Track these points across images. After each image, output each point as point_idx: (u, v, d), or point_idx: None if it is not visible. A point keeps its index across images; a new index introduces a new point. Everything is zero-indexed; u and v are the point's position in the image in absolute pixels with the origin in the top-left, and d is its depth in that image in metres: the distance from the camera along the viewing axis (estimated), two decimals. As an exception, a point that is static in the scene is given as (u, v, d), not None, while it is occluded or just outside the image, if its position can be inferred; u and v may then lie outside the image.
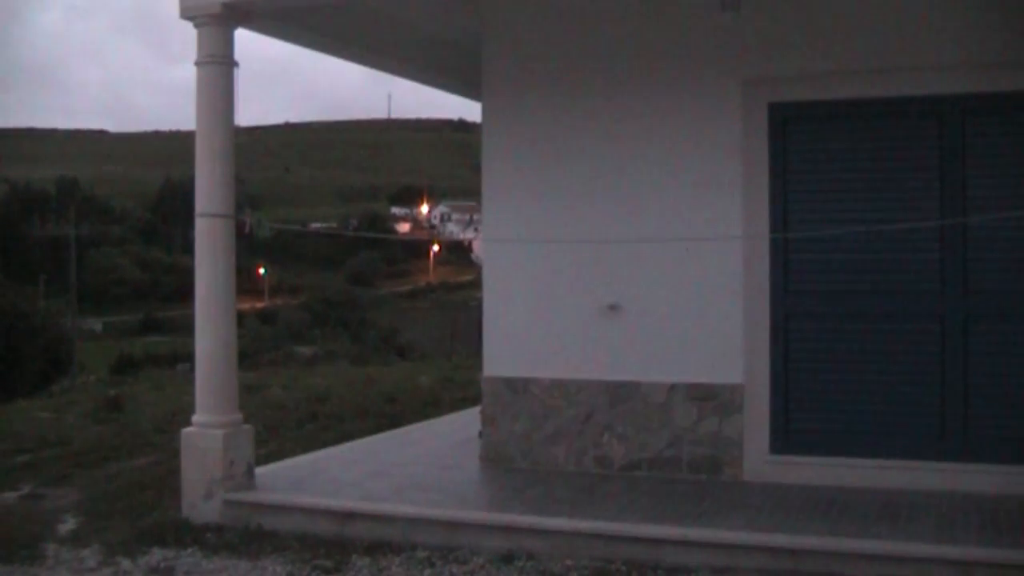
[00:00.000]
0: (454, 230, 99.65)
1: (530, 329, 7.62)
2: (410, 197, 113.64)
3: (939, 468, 6.63)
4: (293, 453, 8.52)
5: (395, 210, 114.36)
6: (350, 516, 6.40)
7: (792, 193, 7.05)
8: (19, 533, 6.56)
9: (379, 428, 9.81)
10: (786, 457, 7.00)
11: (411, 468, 7.64)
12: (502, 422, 7.65)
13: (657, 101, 7.32)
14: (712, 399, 7.14)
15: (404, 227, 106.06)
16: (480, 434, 7.93)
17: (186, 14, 6.71)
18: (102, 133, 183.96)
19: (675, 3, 7.24)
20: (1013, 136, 6.68)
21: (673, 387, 7.23)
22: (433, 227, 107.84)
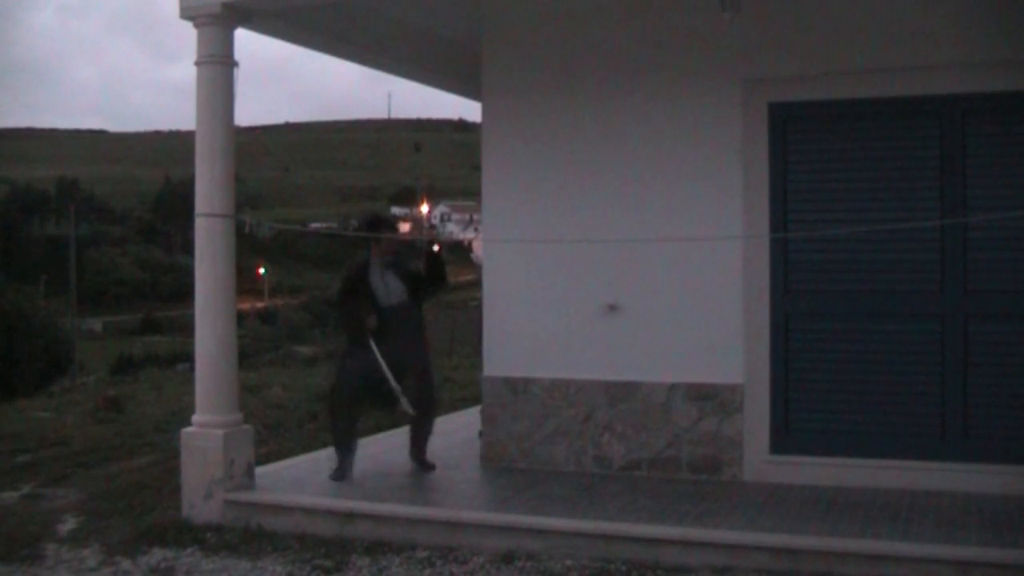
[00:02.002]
0: (454, 230, 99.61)
1: (530, 329, 7.62)
2: (410, 197, 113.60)
3: (939, 468, 6.63)
4: (293, 453, 8.51)
5: (395, 210, 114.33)
6: (350, 516, 6.40)
7: (792, 193, 7.04)
8: (19, 533, 6.56)
9: (379, 428, 9.80)
10: (786, 457, 7.00)
11: (411, 468, 7.63)
12: (502, 422, 7.65)
13: (657, 101, 7.32)
14: (712, 399, 7.14)
15: (404, 227, 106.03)
16: (480, 434, 7.93)
17: (186, 14, 6.71)
18: (101, 133, 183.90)
19: (675, 3, 7.23)
20: (1013, 136, 6.67)
21: (673, 387, 7.23)
22: (433, 227, 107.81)
